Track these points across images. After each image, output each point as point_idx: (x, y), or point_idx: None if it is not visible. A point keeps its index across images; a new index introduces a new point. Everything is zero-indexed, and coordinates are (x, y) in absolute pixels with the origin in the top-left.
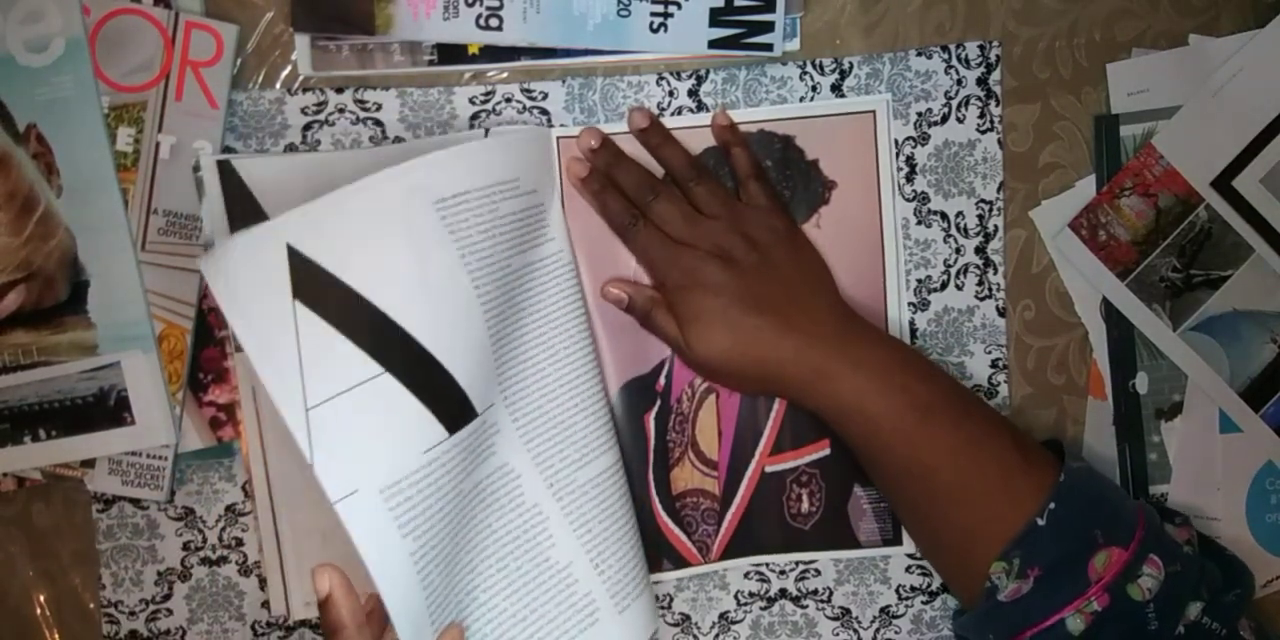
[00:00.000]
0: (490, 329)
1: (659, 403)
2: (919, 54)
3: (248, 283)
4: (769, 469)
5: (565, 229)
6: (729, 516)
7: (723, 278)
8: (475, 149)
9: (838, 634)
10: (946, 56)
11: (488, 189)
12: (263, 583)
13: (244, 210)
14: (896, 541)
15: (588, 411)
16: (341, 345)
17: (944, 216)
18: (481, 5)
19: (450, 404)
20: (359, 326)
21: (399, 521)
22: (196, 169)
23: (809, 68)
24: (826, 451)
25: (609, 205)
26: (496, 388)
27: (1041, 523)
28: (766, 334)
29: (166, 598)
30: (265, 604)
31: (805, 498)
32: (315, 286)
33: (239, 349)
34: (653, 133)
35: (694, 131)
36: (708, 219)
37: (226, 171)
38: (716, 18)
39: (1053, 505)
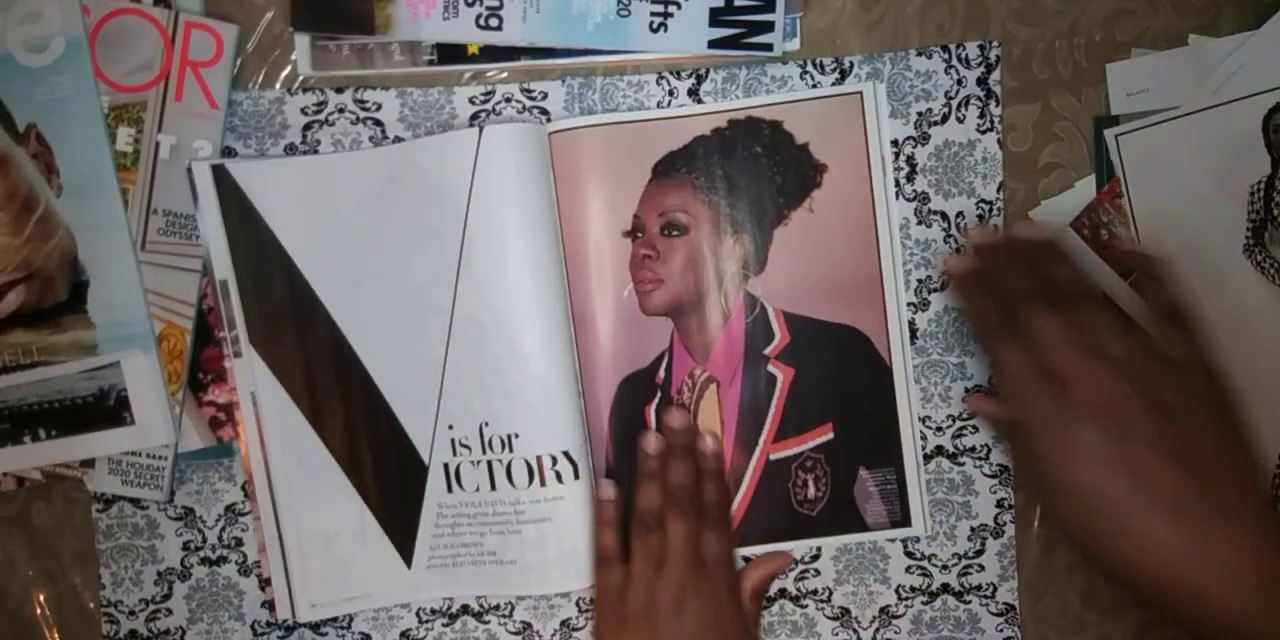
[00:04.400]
0: None
1: (659, 395)
2: (919, 54)
3: None
4: (773, 456)
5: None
6: (735, 506)
7: (1109, 448)
8: None
9: (837, 634)
10: (946, 56)
11: None
12: (262, 583)
13: (240, 216)
14: (905, 523)
15: None
16: None
17: (944, 217)
18: (481, 5)
19: None
20: None
21: None
22: (190, 173)
23: (809, 67)
24: (830, 435)
25: (975, 309)
26: None
27: None
28: (1158, 545)
29: (166, 597)
30: (264, 604)
31: (811, 483)
32: None
33: (238, 354)
34: (1043, 250)
35: (690, 120)
36: (1099, 359)
37: (221, 176)
38: (716, 17)
39: None
